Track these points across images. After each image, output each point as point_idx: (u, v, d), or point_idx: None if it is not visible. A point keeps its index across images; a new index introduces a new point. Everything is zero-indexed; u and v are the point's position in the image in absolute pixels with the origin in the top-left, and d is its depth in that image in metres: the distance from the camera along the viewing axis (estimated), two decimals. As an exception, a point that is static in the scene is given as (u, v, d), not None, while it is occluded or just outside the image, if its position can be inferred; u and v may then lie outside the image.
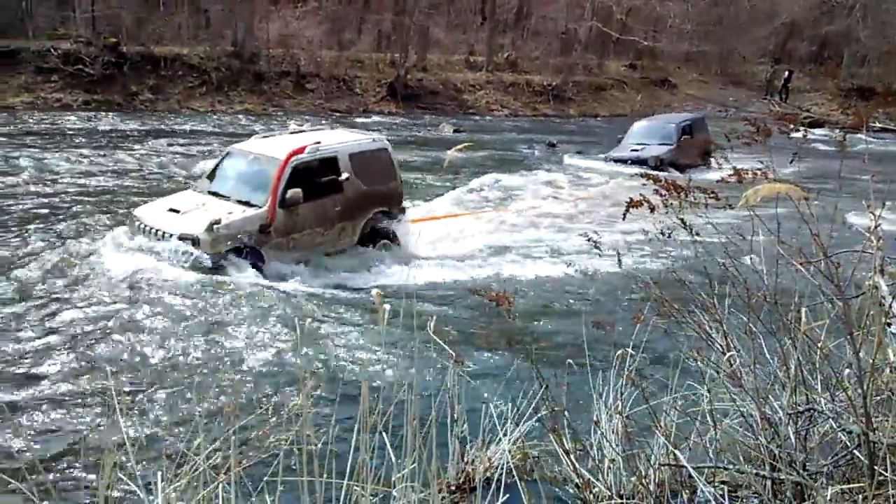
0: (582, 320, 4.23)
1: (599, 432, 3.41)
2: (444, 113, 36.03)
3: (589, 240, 4.09)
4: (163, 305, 8.03)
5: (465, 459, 3.23)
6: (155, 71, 33.90)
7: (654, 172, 17.37)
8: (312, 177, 10.22)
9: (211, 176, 10.51)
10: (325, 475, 2.67)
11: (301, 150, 9.79)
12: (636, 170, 17.22)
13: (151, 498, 2.42)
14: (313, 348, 6.53)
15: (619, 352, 3.78)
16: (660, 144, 20.15)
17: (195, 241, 8.86)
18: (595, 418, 3.44)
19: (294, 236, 9.77)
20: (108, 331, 7.24)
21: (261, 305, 8.09)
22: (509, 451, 3.05)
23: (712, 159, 18.68)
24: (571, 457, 3.23)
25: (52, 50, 32.09)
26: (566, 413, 3.29)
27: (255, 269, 9.21)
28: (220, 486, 2.61)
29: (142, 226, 9.26)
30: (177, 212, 9.41)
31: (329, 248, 10.38)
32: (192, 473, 2.60)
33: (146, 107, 32.16)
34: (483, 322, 6.64)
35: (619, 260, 3.81)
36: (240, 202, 9.58)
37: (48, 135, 22.77)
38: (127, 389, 5.48)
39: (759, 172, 3.25)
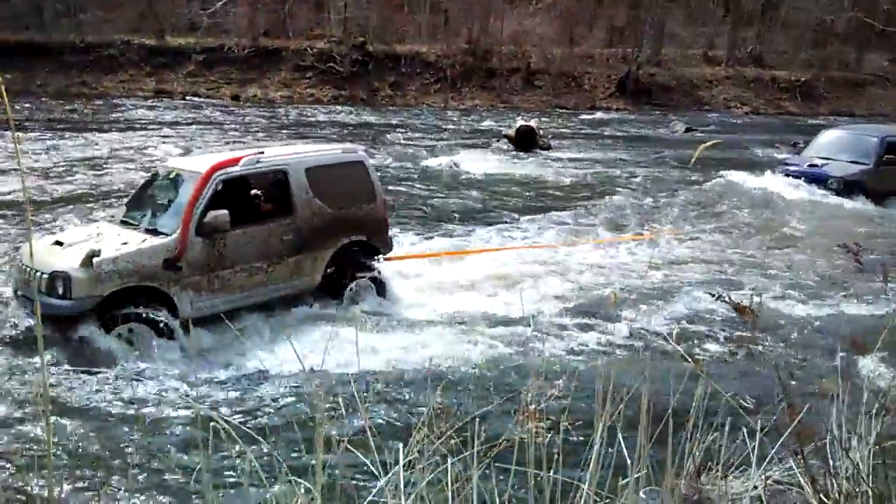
0: (833, 340, 3.86)
1: (855, 467, 3.10)
2: (676, 110, 34.56)
3: (849, 252, 3.73)
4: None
5: (705, 478, 3.09)
6: (396, 68, 36.22)
7: (835, 198, 12.64)
8: (248, 197, 8.27)
9: (130, 201, 8.44)
10: (552, 470, 2.69)
11: (231, 163, 7.67)
12: (808, 191, 14.19)
13: (386, 477, 2.58)
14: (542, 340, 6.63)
15: (876, 375, 3.41)
16: (850, 162, 14.68)
17: (65, 281, 6.71)
18: (844, 446, 3.13)
19: (220, 274, 7.44)
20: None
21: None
22: (753, 480, 2.87)
23: None
24: (819, 484, 2.97)
25: (309, 49, 35.48)
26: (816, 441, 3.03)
27: (150, 327, 7.00)
28: (450, 467, 2.72)
29: (20, 265, 7.34)
30: (61, 244, 7.36)
31: (277, 292, 7.89)
32: (427, 455, 2.73)
33: (386, 102, 34.43)
34: (725, 333, 6.25)
35: (885, 279, 3.42)
36: (148, 231, 7.53)
37: (297, 125, 25.17)
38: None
39: None
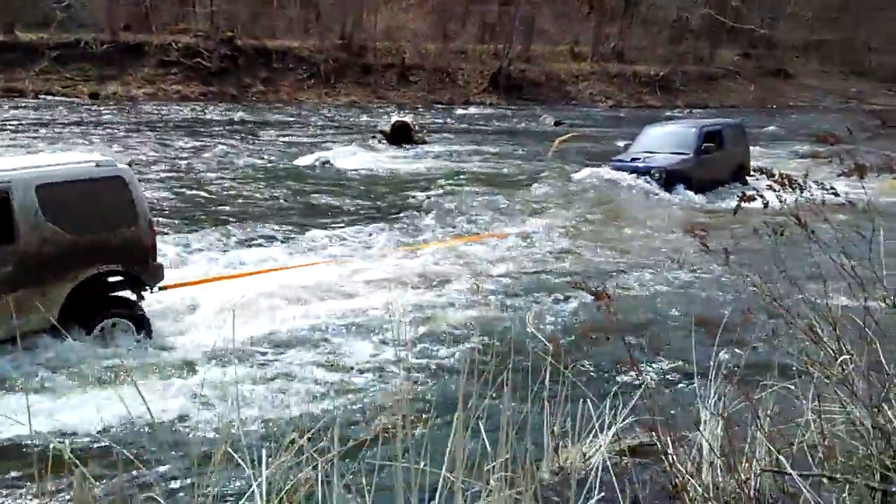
0: (684, 319, 4.13)
1: (699, 433, 3.33)
2: (546, 104, 35.72)
3: (695, 236, 3.98)
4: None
5: (559, 454, 3.23)
6: (267, 64, 35.34)
7: (657, 190, 13.86)
8: None
9: None
10: (420, 462, 2.73)
11: None
12: (632, 182, 14.27)
13: (257, 474, 2.55)
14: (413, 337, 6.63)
15: (723, 352, 3.67)
16: (672, 153, 14.90)
17: None
18: (695, 419, 3.37)
19: None
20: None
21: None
22: (606, 446, 3.03)
23: (749, 179, 14.97)
24: (669, 457, 3.17)
25: (174, 44, 34.00)
26: (664, 412, 3.23)
27: None
28: (321, 466, 2.72)
29: None
30: None
31: None
32: (294, 453, 2.71)
33: (258, 98, 33.54)
34: (584, 319, 6.54)
35: (728, 258, 3.68)
36: None
37: (161, 124, 24.10)
38: (224, 380, 5.73)
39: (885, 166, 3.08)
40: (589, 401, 3.19)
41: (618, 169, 14.89)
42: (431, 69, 37.64)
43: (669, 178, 14.31)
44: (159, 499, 2.36)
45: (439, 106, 34.73)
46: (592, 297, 3.81)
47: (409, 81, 37.22)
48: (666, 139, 15.56)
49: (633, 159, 14.93)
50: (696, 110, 37.60)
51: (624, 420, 3.26)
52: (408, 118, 21.96)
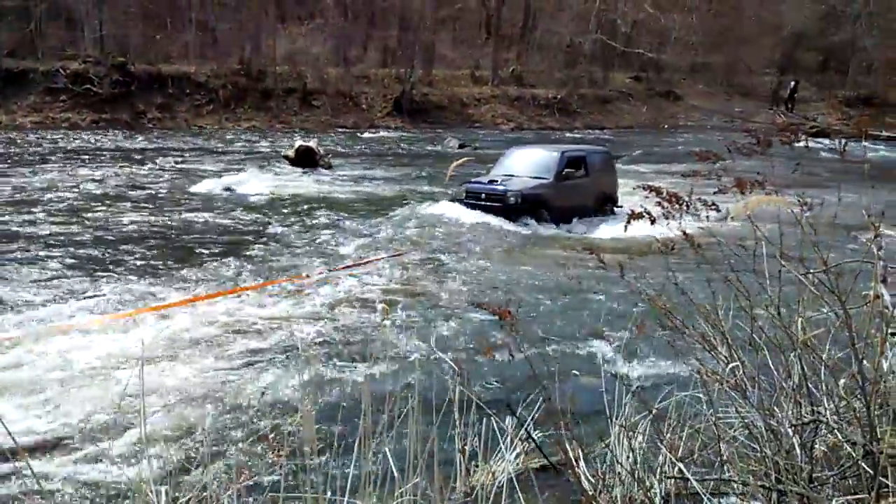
0: (585, 335, 4.22)
1: (605, 445, 3.41)
2: (450, 127, 36.20)
3: (591, 253, 4.10)
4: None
5: (470, 473, 3.23)
6: (163, 90, 34.28)
7: (504, 223, 13.13)
8: None
9: None
10: (328, 491, 2.68)
11: None
12: (483, 218, 13.13)
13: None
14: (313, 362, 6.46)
15: (626, 365, 3.78)
16: (532, 177, 13.99)
17: None
18: (602, 433, 3.45)
19: None
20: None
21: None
22: (514, 464, 3.05)
23: (616, 209, 14.84)
24: (578, 469, 3.23)
25: (61, 70, 32.51)
26: (572, 426, 3.30)
27: None
28: (225, 500, 2.62)
29: None
30: None
31: None
32: (198, 489, 2.61)
33: (154, 125, 32.49)
34: (488, 335, 6.58)
35: (622, 272, 3.81)
36: None
37: (52, 154, 22.95)
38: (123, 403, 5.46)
39: (755, 184, 3.26)
40: (495, 420, 3.22)
41: (472, 192, 13.90)
42: (334, 93, 37.51)
43: (524, 203, 13.48)
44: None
45: (343, 130, 34.62)
46: (495, 316, 3.86)
47: (311, 106, 36.93)
48: (527, 163, 14.60)
49: (491, 181, 14.02)
50: (593, 131, 39.03)
51: (529, 438, 3.30)
52: (312, 142, 21.75)
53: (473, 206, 13.69)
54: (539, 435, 3.47)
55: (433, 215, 13.85)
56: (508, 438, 3.19)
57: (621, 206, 14.88)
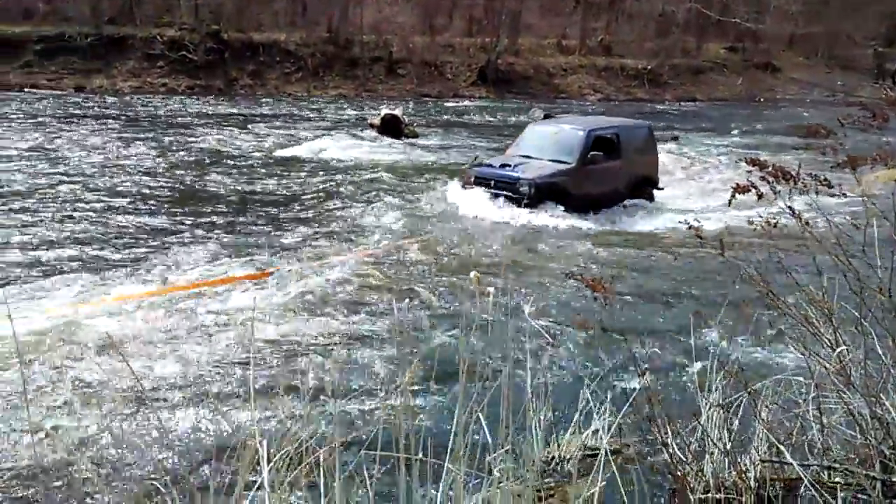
0: (680, 312, 4.12)
1: (699, 424, 3.34)
2: (535, 98, 35.71)
3: (689, 227, 3.99)
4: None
5: (560, 444, 3.23)
6: (254, 57, 35.11)
7: (524, 211, 11.06)
8: None
9: None
10: (420, 454, 2.72)
11: None
12: (493, 208, 11.48)
13: (259, 468, 2.53)
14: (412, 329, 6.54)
15: (721, 344, 3.67)
16: (552, 161, 12.00)
17: None
18: (695, 410, 3.37)
19: None
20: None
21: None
22: (604, 438, 3.03)
23: (656, 192, 13.26)
24: (669, 447, 3.18)
25: (159, 37, 33.69)
26: (664, 404, 3.24)
27: None
28: (322, 458, 2.70)
29: None
30: None
31: None
32: (295, 444, 2.70)
33: (245, 91, 33.33)
34: (579, 309, 6.48)
35: (723, 249, 3.69)
36: None
37: (149, 118, 23.89)
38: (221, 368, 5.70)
39: (879, 158, 3.08)
40: (590, 393, 3.19)
41: (482, 177, 12.17)
42: (419, 62, 37.53)
43: (539, 193, 11.50)
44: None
45: (427, 99, 34.66)
46: (588, 288, 3.81)
47: (397, 75, 37.10)
48: (548, 142, 12.55)
49: (503, 165, 12.22)
50: (685, 103, 37.76)
51: (623, 409, 3.26)
52: (397, 111, 21.87)
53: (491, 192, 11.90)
54: (629, 410, 3.42)
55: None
56: (603, 412, 3.16)
57: (662, 189, 13.44)
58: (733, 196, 3.47)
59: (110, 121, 22.53)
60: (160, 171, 14.82)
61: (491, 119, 28.53)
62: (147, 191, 12.83)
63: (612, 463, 2.72)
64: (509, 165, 12.07)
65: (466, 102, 33.99)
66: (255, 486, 2.22)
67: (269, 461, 2.51)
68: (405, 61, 37.45)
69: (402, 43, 37.76)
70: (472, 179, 12.31)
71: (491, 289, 2.73)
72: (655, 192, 13.35)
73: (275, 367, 5.58)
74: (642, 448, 3.40)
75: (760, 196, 3.40)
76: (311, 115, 26.88)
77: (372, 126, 21.42)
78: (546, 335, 3.17)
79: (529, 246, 9.75)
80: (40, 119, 21.82)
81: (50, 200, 11.63)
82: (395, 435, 2.58)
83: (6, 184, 12.72)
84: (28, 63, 31.85)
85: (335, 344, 6.10)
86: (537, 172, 11.72)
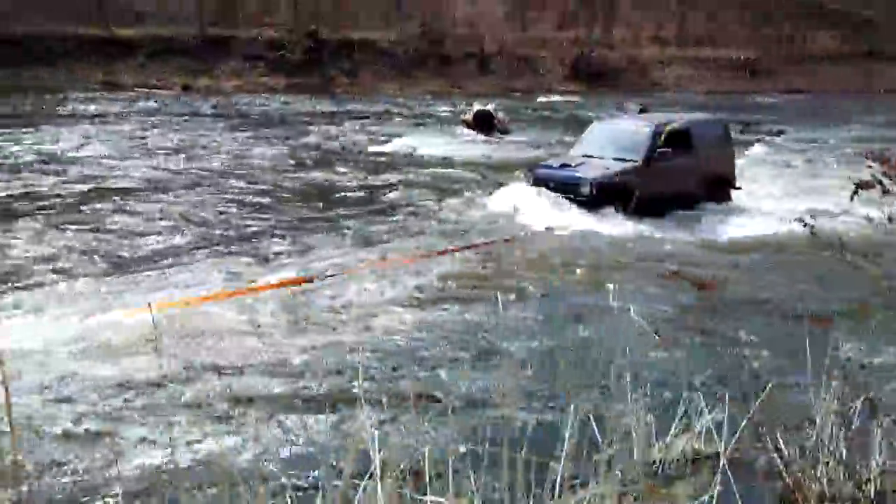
0: (792, 314, 3.93)
1: (813, 430, 3.19)
2: (630, 91, 34.94)
3: (805, 225, 3.81)
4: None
5: (665, 446, 3.16)
6: (349, 56, 35.93)
7: (582, 212, 9.75)
8: None
9: None
10: (523, 450, 2.71)
11: None
12: (553, 210, 10.45)
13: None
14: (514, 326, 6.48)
15: (838, 347, 3.49)
16: (616, 159, 11.13)
17: None
18: (810, 417, 3.22)
19: None
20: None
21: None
22: (712, 441, 2.94)
23: (735, 191, 12.27)
24: (782, 453, 3.05)
25: (259, 37, 34.99)
26: (777, 409, 3.11)
27: None
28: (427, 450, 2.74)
29: None
30: None
31: None
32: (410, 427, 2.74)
33: (341, 89, 34.14)
34: (684, 310, 6.26)
35: (842, 248, 3.51)
36: None
37: (251, 115, 24.80)
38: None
39: None
40: (696, 394, 3.10)
41: (540, 178, 11.18)
42: (510, 57, 37.46)
43: (601, 194, 10.49)
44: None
45: (517, 94, 34.51)
46: (695, 288, 3.70)
47: (488, 70, 37.16)
48: (611, 140, 11.68)
49: (563, 165, 11.26)
50: (792, 95, 36.10)
51: (729, 414, 3.15)
52: (490, 107, 21.87)
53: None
54: (737, 412, 3.30)
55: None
56: (714, 415, 3.07)
57: (740, 188, 12.41)
58: (856, 192, 3.30)
59: (218, 120, 23.55)
60: (277, 166, 15.35)
61: (583, 114, 28.10)
62: (265, 186, 13.29)
63: (719, 467, 2.64)
64: (570, 165, 11.16)
65: (557, 97, 33.64)
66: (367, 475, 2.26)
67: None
68: (496, 56, 37.45)
69: (494, 38, 37.77)
70: (532, 181, 11.33)
71: (610, 285, 2.68)
72: (734, 192, 12.34)
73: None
74: (751, 453, 3.27)
75: (886, 192, 3.22)
76: (404, 112, 27.26)
77: (464, 122, 21.49)
78: (652, 333, 3.10)
79: (610, 252, 9.18)
80: (155, 118, 23.05)
81: (182, 191, 12.25)
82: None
83: (136, 180, 13.44)
84: (141, 64, 33.75)
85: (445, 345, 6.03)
86: (599, 171, 10.79)
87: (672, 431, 3.61)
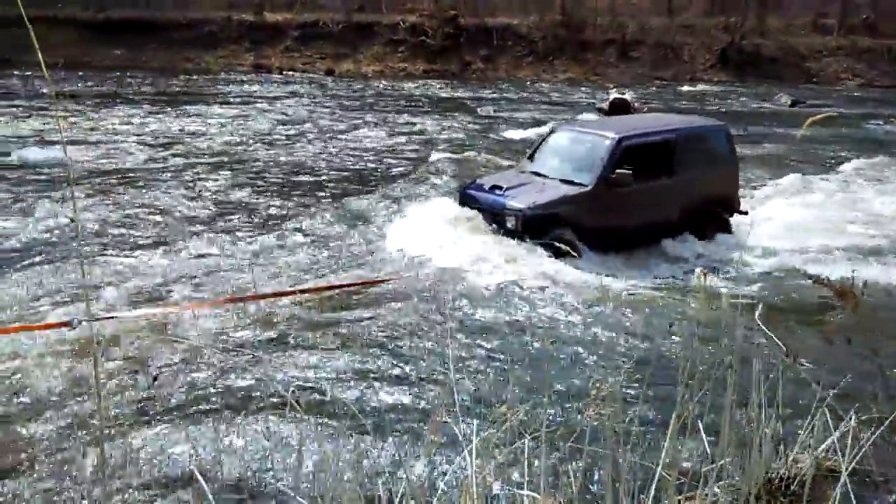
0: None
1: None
2: (782, 82, 32.80)
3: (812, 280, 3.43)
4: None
5: (789, 460, 2.96)
6: (487, 42, 35.97)
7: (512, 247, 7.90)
8: None
9: None
10: (627, 453, 2.62)
11: None
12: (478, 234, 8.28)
13: (468, 444, 2.59)
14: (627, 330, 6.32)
15: None
16: (563, 181, 8.71)
17: None
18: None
19: None
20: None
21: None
22: (844, 462, 2.72)
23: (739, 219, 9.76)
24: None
25: (402, 23, 35.71)
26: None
27: None
28: (526, 443, 2.71)
29: None
30: None
31: None
32: (502, 429, 2.73)
33: (477, 75, 34.27)
34: (815, 316, 5.86)
35: None
36: None
37: (390, 99, 25.37)
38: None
39: None
40: (827, 410, 2.88)
41: (468, 200, 9.01)
42: (654, 44, 36.11)
43: (528, 227, 8.15)
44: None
45: (661, 83, 33.26)
46: (835, 296, 3.43)
47: (629, 58, 36.03)
48: (567, 154, 9.28)
49: (494, 188, 8.85)
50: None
51: (859, 429, 2.90)
52: (627, 95, 21.28)
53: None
54: (870, 427, 3.03)
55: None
56: (845, 430, 2.84)
57: (746, 213, 9.83)
58: None
59: (360, 102, 24.32)
60: (394, 148, 15.72)
61: (731, 104, 26.71)
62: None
63: (849, 485, 2.45)
64: (500, 188, 8.78)
65: (703, 86, 32.14)
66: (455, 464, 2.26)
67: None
68: (639, 43, 36.25)
69: (637, 24, 36.56)
70: (459, 201, 9.20)
71: (724, 289, 2.53)
72: (740, 218, 9.84)
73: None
74: (888, 472, 3.00)
75: None
76: (541, 99, 26.99)
77: (600, 111, 21.05)
78: (780, 344, 2.90)
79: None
80: (304, 100, 24.14)
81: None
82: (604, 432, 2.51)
83: (286, 166, 14.20)
84: (288, 48, 35.40)
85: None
86: (532, 199, 8.36)
87: (799, 444, 3.38)
